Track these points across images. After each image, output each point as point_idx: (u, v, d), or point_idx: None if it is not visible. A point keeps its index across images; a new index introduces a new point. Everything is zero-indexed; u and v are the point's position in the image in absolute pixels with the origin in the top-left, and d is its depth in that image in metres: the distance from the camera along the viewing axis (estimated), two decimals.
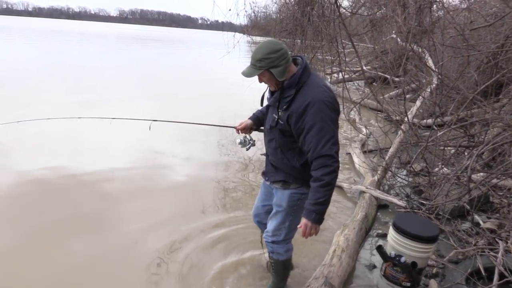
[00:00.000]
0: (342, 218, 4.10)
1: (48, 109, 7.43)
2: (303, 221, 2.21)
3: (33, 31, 43.86)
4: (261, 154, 2.72)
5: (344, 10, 5.42)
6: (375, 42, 9.58)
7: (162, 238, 3.55)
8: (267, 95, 2.44)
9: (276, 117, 2.27)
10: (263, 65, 2.13)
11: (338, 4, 5.14)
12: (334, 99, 2.19)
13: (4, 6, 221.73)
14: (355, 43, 6.14)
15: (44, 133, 6.05)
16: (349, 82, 12.22)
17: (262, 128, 2.69)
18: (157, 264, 3.15)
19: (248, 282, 2.99)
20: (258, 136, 2.80)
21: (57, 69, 14.44)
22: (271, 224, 2.60)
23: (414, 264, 2.68)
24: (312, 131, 2.09)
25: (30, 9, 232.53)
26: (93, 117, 3.52)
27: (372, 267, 3.26)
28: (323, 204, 2.15)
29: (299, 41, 5.87)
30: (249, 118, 2.75)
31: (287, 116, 2.19)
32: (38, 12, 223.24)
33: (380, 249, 2.82)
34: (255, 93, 2.37)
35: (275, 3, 11.23)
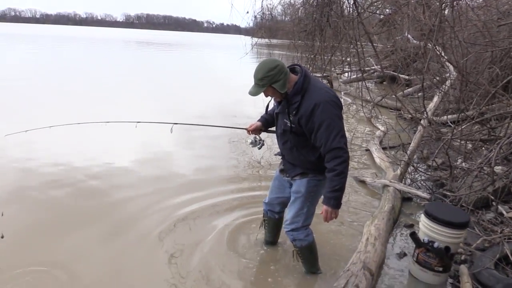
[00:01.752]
0: (364, 212, 4.25)
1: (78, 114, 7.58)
2: (324, 207, 2.49)
3: (42, 38, 44.51)
4: (275, 155, 3.01)
5: (363, 10, 5.57)
6: (389, 41, 9.72)
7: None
8: (272, 104, 2.79)
9: (288, 122, 2.55)
10: (265, 83, 2.43)
11: (357, 4, 5.28)
12: (336, 97, 2.49)
13: (13, 13, 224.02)
14: (365, 43, 6.30)
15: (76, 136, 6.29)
16: (360, 82, 12.38)
17: (270, 129, 3.00)
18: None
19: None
20: (266, 136, 3.08)
21: (74, 74, 14.74)
22: (289, 212, 2.84)
23: (447, 248, 2.82)
24: (322, 129, 2.38)
25: (37, 16, 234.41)
26: (120, 121, 3.72)
27: (403, 254, 3.39)
28: (339, 190, 2.45)
29: (318, 43, 6.02)
30: (258, 120, 3.02)
31: (298, 119, 2.48)
32: (45, 19, 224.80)
33: (413, 235, 2.97)
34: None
35: (281, 5, 11.40)
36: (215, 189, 4.66)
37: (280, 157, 2.92)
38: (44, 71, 15.34)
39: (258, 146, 3.07)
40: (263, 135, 3.09)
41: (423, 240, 2.93)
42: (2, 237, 3.10)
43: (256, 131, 2.99)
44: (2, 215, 3.32)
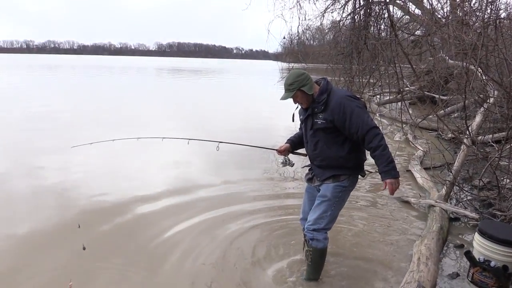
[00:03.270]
0: (410, 232, 4.20)
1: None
2: (387, 181, 2.69)
3: (83, 67, 47.01)
4: (303, 167, 3.32)
5: (400, 31, 5.64)
6: (421, 62, 9.70)
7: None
8: (297, 113, 3.06)
9: (318, 120, 2.84)
10: (295, 87, 2.79)
11: (394, 26, 5.36)
12: (355, 96, 2.93)
13: (52, 45, 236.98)
14: (398, 64, 6.29)
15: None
16: (393, 103, 12.28)
17: (296, 151, 3.30)
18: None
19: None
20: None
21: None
22: (313, 215, 2.98)
23: (505, 267, 2.76)
24: (354, 115, 2.70)
25: (75, 47, 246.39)
26: (175, 138, 4.09)
27: (456, 275, 3.32)
28: (392, 161, 2.71)
29: (355, 65, 6.09)
30: (286, 142, 3.28)
31: (327, 115, 2.77)
32: (82, 50, 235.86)
33: (468, 254, 2.93)
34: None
35: (309, 30, 11.67)
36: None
37: (307, 168, 3.19)
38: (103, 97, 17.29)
39: (289, 165, 3.36)
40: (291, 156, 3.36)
41: (479, 259, 2.88)
42: (84, 248, 3.23)
43: (285, 152, 3.26)
44: (79, 227, 3.47)
